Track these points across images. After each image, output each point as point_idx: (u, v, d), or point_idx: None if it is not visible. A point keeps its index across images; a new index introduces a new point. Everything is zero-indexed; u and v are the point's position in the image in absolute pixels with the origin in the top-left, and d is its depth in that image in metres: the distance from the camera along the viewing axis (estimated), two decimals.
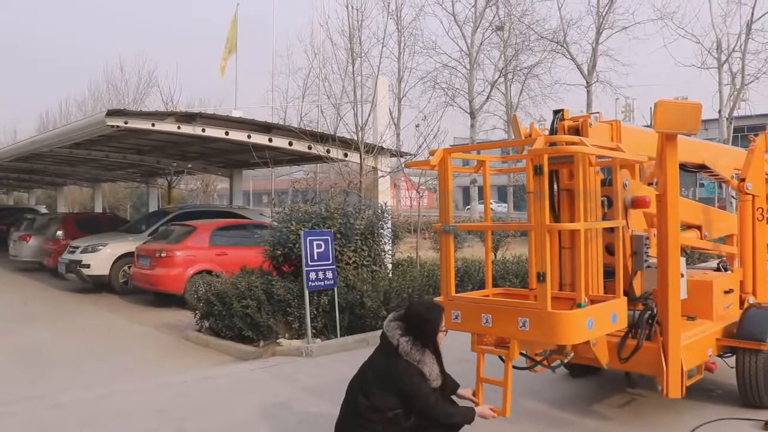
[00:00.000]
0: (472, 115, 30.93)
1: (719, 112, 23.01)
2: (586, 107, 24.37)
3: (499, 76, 31.61)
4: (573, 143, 4.02)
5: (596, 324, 3.98)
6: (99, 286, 14.00)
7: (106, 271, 13.79)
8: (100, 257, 13.85)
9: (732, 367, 5.56)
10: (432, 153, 4.40)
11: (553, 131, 4.97)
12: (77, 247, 14.16)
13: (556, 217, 4.99)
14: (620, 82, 46.54)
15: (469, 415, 4.08)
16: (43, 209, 29.77)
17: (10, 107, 74.77)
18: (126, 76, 40.11)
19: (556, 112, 5.07)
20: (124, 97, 39.60)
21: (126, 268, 13.63)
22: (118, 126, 10.66)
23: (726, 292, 5.85)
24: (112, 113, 10.67)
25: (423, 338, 3.98)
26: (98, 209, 27.76)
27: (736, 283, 6.09)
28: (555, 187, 5.01)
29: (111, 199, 36.06)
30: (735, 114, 24.27)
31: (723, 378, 5.96)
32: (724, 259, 6.61)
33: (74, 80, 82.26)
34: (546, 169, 3.82)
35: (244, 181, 22.64)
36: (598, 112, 5.33)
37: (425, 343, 3.97)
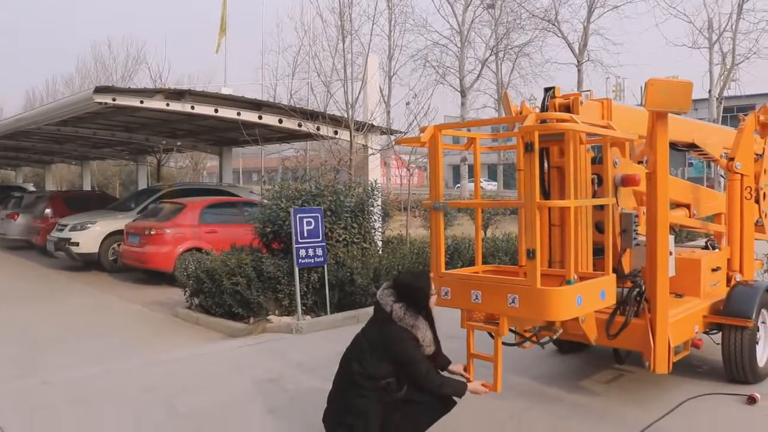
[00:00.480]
0: (463, 93, 30.85)
1: (709, 92, 23.09)
2: (577, 86, 24.37)
3: (490, 55, 31.50)
4: (564, 120, 4.01)
5: (585, 300, 4.00)
6: (88, 264, 13.96)
7: (95, 249, 13.73)
8: (89, 235, 13.77)
9: (718, 344, 5.63)
10: (422, 130, 4.39)
11: (544, 109, 4.96)
12: (66, 225, 14.08)
13: (546, 195, 5.01)
14: (611, 61, 46.58)
15: (460, 389, 4.10)
16: (30, 187, 29.50)
17: None
18: (114, 53, 40.00)
19: (547, 90, 5.06)
20: (112, 75, 39.30)
21: (115, 245, 13.57)
22: (106, 103, 10.55)
23: (713, 270, 5.90)
24: (100, 90, 10.56)
25: (416, 305, 4.02)
26: (87, 187, 27.56)
27: (723, 261, 6.15)
28: (545, 164, 5.02)
29: (100, 177, 35.83)
30: (725, 94, 24.34)
31: (709, 354, 6.03)
32: (712, 237, 6.66)
33: (61, 57, 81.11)
34: (537, 147, 3.81)
35: (234, 159, 22.52)
36: (589, 90, 5.33)
37: (418, 309, 4.02)
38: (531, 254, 3.86)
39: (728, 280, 6.17)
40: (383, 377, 3.91)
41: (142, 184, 22.89)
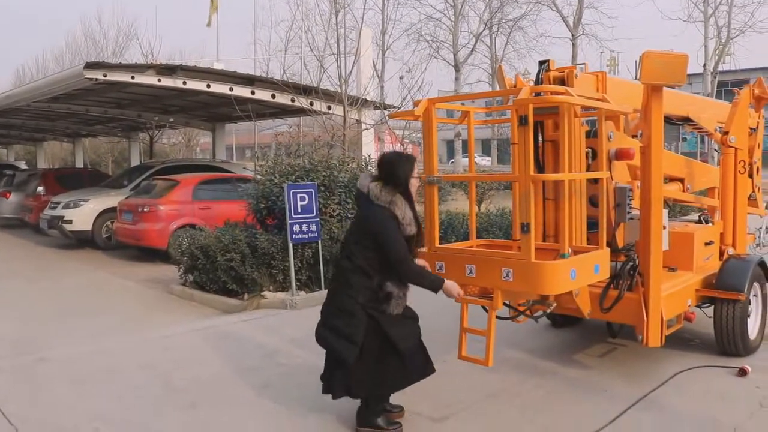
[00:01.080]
0: (457, 68, 30.64)
1: (704, 66, 22.92)
2: (572, 60, 24.23)
3: (484, 29, 31.24)
4: (559, 93, 3.98)
5: (579, 274, 4.01)
6: (82, 241, 13.91)
7: (88, 227, 13.69)
8: (83, 213, 13.73)
9: (710, 317, 5.66)
10: (416, 104, 4.35)
11: (538, 82, 4.93)
12: (59, 203, 14.02)
13: (540, 168, 5.01)
14: (606, 35, 46.39)
15: (437, 283, 4.00)
16: (22, 165, 29.28)
17: None
18: (104, 29, 39.51)
19: (541, 63, 5.03)
20: (103, 50, 38.75)
21: (109, 223, 13.53)
22: (96, 79, 10.47)
23: (707, 244, 5.92)
24: (91, 66, 10.48)
25: (393, 181, 3.97)
26: (79, 165, 27.39)
27: (716, 235, 6.17)
28: (540, 138, 5.01)
29: (92, 155, 35.56)
30: (720, 68, 24.21)
31: (701, 327, 6.08)
32: (706, 211, 6.68)
33: (52, 33, 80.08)
34: (531, 120, 3.79)
35: (228, 136, 22.38)
36: (584, 64, 5.30)
37: (395, 186, 3.97)
38: (525, 228, 3.86)
39: (721, 253, 6.20)
40: (371, 267, 3.87)
41: (135, 161, 22.76)
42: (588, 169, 4.81)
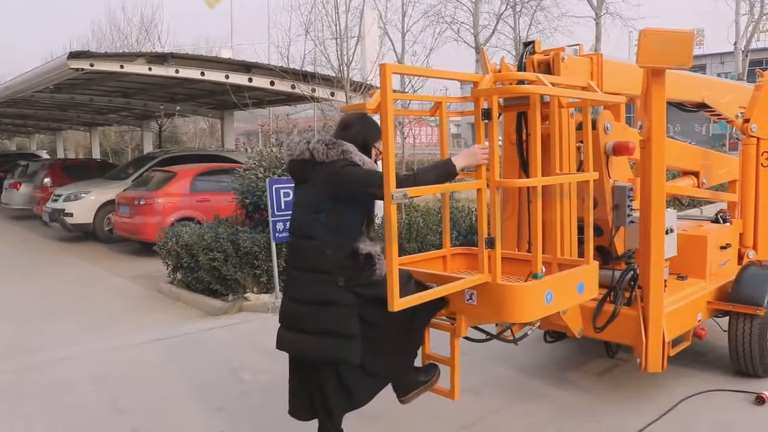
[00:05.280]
0: (478, 50, 29.68)
1: (735, 44, 21.64)
2: (595, 40, 23.18)
3: (506, 8, 30.16)
4: (531, 82, 3.34)
5: (557, 297, 3.37)
6: (86, 234, 13.60)
7: (89, 220, 13.37)
8: (84, 205, 13.41)
9: (725, 331, 4.98)
10: (372, 95, 3.74)
11: (521, 66, 4.29)
12: (60, 195, 13.72)
13: (525, 165, 4.39)
14: (631, 13, 44.79)
15: (449, 166, 3.20)
16: (44, 155, 29.25)
17: (19, 50, 73.40)
18: (129, 16, 39.05)
19: (526, 45, 4.39)
20: (127, 38, 38.48)
21: (110, 215, 13.16)
22: (82, 69, 10.02)
23: (722, 248, 5.22)
24: (75, 55, 10.03)
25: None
26: (96, 154, 27.22)
27: (734, 237, 5.46)
28: (524, 131, 4.38)
29: (114, 143, 35.39)
30: (752, 46, 22.88)
31: (716, 339, 5.40)
32: (724, 209, 5.96)
33: (79, 21, 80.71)
34: (495, 114, 3.16)
35: (250, 122, 21.70)
36: (578, 45, 4.62)
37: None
38: (490, 243, 3.24)
39: (740, 257, 5.51)
40: (341, 235, 3.17)
41: (148, 150, 22.43)
42: (580, 166, 4.19)
